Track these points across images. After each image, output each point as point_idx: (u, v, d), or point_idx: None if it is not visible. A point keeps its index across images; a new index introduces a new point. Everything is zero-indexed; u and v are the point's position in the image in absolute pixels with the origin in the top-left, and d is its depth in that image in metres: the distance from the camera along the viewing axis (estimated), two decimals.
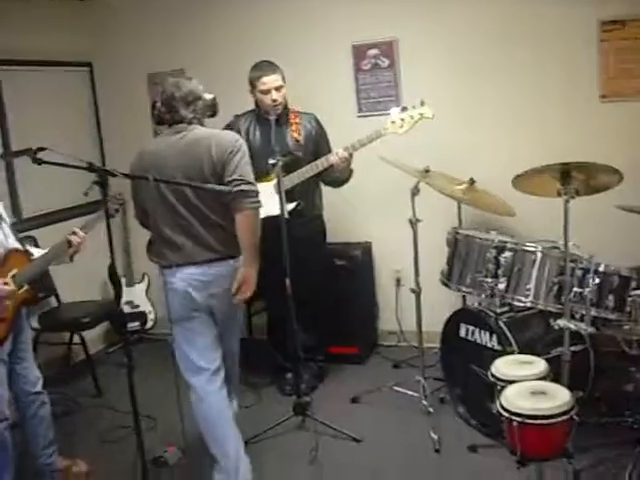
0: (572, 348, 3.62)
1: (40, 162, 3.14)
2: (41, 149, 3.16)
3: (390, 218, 4.67)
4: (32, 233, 4.72)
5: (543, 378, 2.47)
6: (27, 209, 4.90)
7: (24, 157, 3.12)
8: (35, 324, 4.76)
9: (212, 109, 3.50)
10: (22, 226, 4.75)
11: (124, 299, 5.44)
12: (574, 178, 3.20)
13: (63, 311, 4.96)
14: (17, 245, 3.42)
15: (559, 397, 2.27)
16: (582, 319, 3.36)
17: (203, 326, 3.46)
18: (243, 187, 3.26)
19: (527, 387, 2.36)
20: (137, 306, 5.21)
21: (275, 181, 4.01)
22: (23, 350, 3.54)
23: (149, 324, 5.37)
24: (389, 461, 3.66)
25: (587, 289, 3.27)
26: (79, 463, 3.77)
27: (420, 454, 3.63)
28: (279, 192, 3.75)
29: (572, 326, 3.26)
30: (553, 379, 2.83)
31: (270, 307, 4.75)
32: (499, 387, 2.48)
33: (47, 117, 5.16)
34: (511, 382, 2.46)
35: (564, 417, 2.21)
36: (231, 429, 3.47)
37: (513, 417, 2.24)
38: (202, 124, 3.48)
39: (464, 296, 4.35)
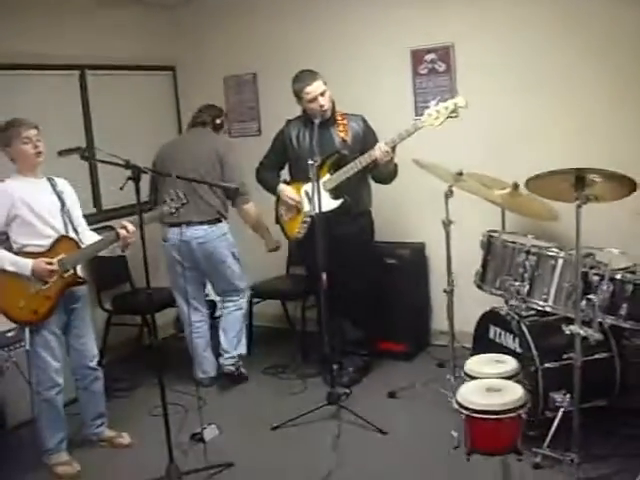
0: (597, 355, 3.68)
1: (88, 159, 3.56)
2: (88, 147, 3.56)
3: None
4: (110, 223, 5.17)
5: (510, 377, 2.54)
6: (106, 202, 5.36)
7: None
8: (108, 306, 5.24)
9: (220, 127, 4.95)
10: (101, 216, 5.23)
11: None
12: (589, 184, 3.22)
13: (135, 295, 5.39)
14: (72, 234, 3.80)
15: (511, 395, 2.35)
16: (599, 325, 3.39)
17: None
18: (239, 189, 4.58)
19: (485, 384, 2.46)
20: (207, 295, 5.51)
21: (324, 179, 4.30)
22: (79, 328, 3.95)
23: (218, 312, 5.66)
24: (407, 453, 3.79)
25: (597, 296, 3.28)
26: (123, 435, 4.15)
27: (439, 449, 3.67)
28: (312, 192, 4.00)
29: (581, 332, 3.29)
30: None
31: (318, 301, 4.94)
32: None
33: (131, 117, 5.63)
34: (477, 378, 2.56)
35: (511, 414, 2.29)
36: None
37: (462, 410, 2.35)
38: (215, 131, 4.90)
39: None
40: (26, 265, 3.60)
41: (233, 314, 4.92)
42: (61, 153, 3.67)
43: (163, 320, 5.60)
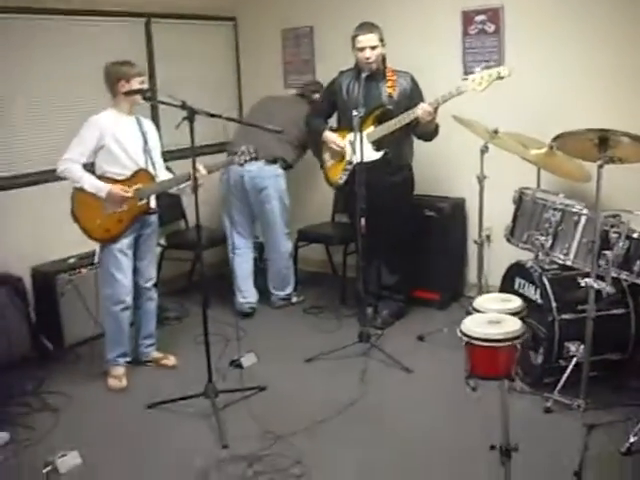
0: (614, 311, 3.88)
1: (148, 99, 3.91)
2: (149, 90, 3.90)
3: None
4: (169, 164, 5.51)
5: (515, 314, 2.78)
6: (167, 143, 5.67)
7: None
8: (163, 242, 5.61)
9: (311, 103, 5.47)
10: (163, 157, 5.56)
11: None
12: (612, 145, 3.39)
13: (188, 232, 5.76)
14: (150, 169, 4.20)
15: (508, 327, 2.60)
16: (614, 280, 3.57)
17: None
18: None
19: (487, 317, 2.70)
20: (257, 237, 5.81)
21: (367, 131, 4.54)
22: (144, 252, 4.37)
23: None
24: (427, 390, 4.10)
25: (612, 252, 3.46)
26: (170, 357, 4.54)
27: (456, 389, 3.87)
28: (354, 140, 4.27)
29: (595, 285, 3.49)
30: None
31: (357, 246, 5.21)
32: None
33: (193, 65, 5.94)
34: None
35: (506, 343, 2.54)
36: None
37: (464, 337, 2.62)
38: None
39: None
40: (103, 189, 4.03)
41: (279, 262, 5.47)
42: (126, 94, 4.01)
43: (215, 258, 5.94)
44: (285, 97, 5.66)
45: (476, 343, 2.58)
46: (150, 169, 4.21)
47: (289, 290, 5.56)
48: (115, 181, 4.08)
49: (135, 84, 4.04)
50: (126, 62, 4.10)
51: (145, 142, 4.21)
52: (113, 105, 4.14)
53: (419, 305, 5.29)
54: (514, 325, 2.61)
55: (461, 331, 2.65)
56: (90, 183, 4.03)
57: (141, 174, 4.16)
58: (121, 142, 4.08)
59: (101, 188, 4.03)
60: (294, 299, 5.59)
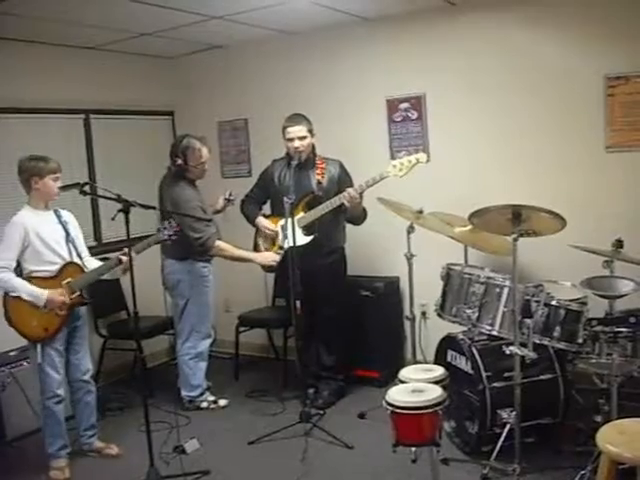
0: (542, 376, 4.05)
1: (85, 193, 4.01)
2: (86, 183, 4.01)
3: (417, 257, 5.09)
4: (109, 255, 5.59)
5: (437, 382, 2.92)
6: (106, 235, 5.80)
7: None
8: (104, 332, 5.63)
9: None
10: (102, 248, 5.64)
11: None
12: (525, 220, 3.62)
13: (128, 322, 5.77)
14: (76, 260, 4.26)
15: (429, 395, 2.73)
16: (542, 347, 3.75)
17: None
18: None
19: (410, 386, 2.83)
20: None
21: (298, 217, 4.74)
22: (78, 344, 4.37)
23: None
24: (368, 466, 4.13)
25: (531, 319, 3.65)
26: (112, 447, 4.51)
27: (397, 462, 3.95)
28: (286, 227, 4.43)
29: (519, 352, 3.66)
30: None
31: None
32: None
33: (132, 157, 6.12)
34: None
35: (428, 410, 2.67)
36: None
37: (388, 407, 2.74)
38: None
39: None
40: (41, 296, 4.04)
41: (180, 358, 5.13)
42: (62, 188, 4.12)
43: (158, 347, 5.98)
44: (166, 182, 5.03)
45: (400, 412, 2.70)
46: (76, 260, 4.26)
47: (193, 393, 5.14)
48: (43, 279, 4.08)
49: (49, 181, 4.09)
50: (41, 158, 4.11)
51: (67, 233, 4.25)
52: (28, 202, 4.15)
53: (359, 384, 5.39)
54: (435, 393, 2.74)
55: (386, 401, 2.77)
56: (27, 292, 4.03)
57: (69, 268, 4.20)
58: (44, 238, 4.10)
59: (38, 296, 4.04)
60: (203, 404, 5.17)
